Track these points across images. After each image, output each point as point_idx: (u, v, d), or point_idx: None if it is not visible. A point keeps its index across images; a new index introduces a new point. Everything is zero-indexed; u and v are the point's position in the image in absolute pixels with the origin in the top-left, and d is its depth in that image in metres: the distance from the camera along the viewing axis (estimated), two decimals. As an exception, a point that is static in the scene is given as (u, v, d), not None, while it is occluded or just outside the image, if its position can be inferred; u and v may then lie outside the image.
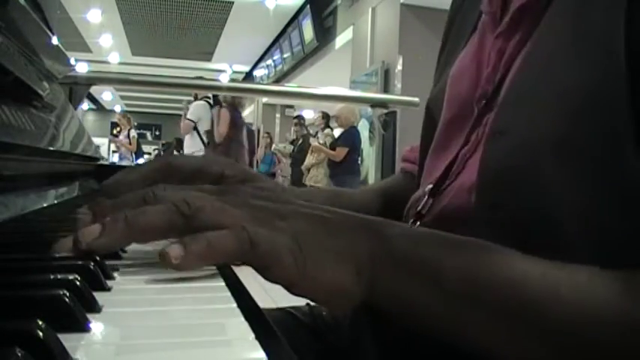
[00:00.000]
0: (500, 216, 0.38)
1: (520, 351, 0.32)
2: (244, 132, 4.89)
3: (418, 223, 0.47)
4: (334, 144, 5.40)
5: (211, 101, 4.96)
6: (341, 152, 5.25)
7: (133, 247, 0.42)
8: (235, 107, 4.74)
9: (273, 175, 8.23)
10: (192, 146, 4.95)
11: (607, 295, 0.31)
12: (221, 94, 4.69)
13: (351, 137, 5.33)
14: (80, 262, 0.31)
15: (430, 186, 0.48)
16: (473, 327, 0.33)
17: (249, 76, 12.05)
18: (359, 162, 5.46)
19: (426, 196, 0.48)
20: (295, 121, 7.46)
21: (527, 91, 0.39)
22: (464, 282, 0.32)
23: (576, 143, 0.34)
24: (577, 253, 0.33)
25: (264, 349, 0.22)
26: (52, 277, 0.28)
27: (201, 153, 4.93)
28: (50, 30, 0.84)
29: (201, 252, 0.30)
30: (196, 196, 0.34)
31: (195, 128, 4.94)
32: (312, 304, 0.63)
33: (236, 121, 4.69)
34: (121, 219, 0.32)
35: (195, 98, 5.14)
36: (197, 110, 4.95)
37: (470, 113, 0.47)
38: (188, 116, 4.97)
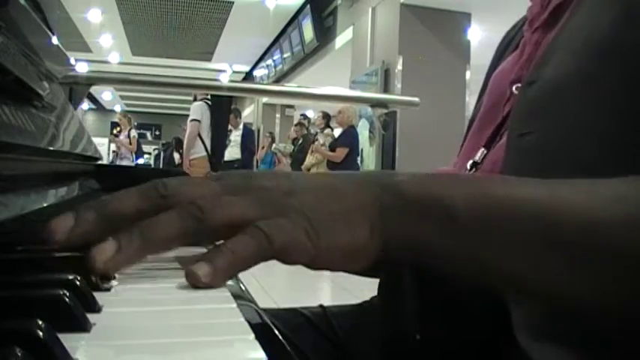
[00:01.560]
0: (528, 141, 0.42)
1: (542, 273, 0.30)
2: None
3: (474, 169, 0.51)
4: (333, 144, 5.40)
5: (210, 102, 4.94)
6: (341, 153, 5.25)
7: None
8: None
9: (273, 175, 8.21)
10: (193, 147, 4.92)
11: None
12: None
13: (350, 137, 5.33)
14: (80, 264, 0.31)
15: (475, 160, 0.52)
16: (493, 261, 0.31)
17: (249, 76, 12.05)
18: (358, 162, 5.47)
19: (482, 148, 0.52)
20: (300, 119, 7.46)
21: (557, 49, 0.43)
22: (476, 213, 0.31)
23: (600, 76, 0.38)
24: (598, 174, 0.34)
25: (264, 349, 0.22)
26: (52, 277, 0.28)
27: (202, 155, 4.91)
28: (50, 30, 0.84)
29: (227, 265, 0.30)
30: (201, 194, 0.33)
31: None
32: (325, 305, 0.64)
33: None
34: (136, 234, 0.31)
35: (195, 99, 5.12)
36: (198, 110, 4.93)
37: (505, 98, 0.52)
38: (192, 117, 4.92)
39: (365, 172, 0.36)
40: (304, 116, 7.58)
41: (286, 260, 0.32)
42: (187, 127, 5.03)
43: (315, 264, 0.32)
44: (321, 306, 0.63)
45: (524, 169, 0.41)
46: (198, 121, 4.87)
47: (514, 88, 0.50)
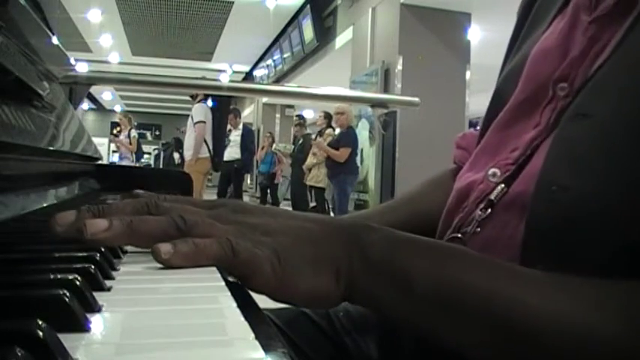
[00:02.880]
0: (565, 199, 0.36)
1: (487, 355, 0.34)
2: None
3: (489, 210, 0.45)
4: (335, 145, 5.37)
5: (210, 103, 4.93)
6: (345, 152, 5.23)
7: (131, 248, 0.42)
8: None
9: (274, 175, 8.23)
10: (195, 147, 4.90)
11: (585, 309, 0.32)
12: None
13: (351, 137, 5.32)
14: (80, 264, 0.31)
15: (496, 170, 0.47)
16: (442, 329, 0.35)
17: (249, 76, 12.05)
18: (358, 162, 5.46)
19: (501, 184, 0.45)
20: (296, 121, 7.46)
21: (618, 74, 0.38)
22: (433, 289, 0.35)
23: None
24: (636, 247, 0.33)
25: (264, 349, 0.22)
26: (52, 277, 0.28)
27: (205, 155, 4.89)
28: (50, 30, 0.84)
29: (187, 252, 0.34)
30: (191, 211, 0.38)
31: None
32: None
33: None
34: (125, 221, 0.36)
35: (193, 98, 5.09)
36: (202, 112, 4.90)
37: (545, 95, 0.45)
38: (197, 119, 4.87)
39: (344, 223, 0.38)
40: (299, 117, 7.58)
41: (248, 283, 0.34)
42: (187, 129, 5.02)
43: (276, 296, 0.35)
44: None
45: (552, 226, 0.37)
46: (204, 122, 4.85)
47: (558, 88, 0.43)
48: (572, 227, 0.36)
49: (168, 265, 0.34)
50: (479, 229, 0.45)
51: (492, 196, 0.45)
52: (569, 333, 0.31)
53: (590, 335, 0.31)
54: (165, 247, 0.34)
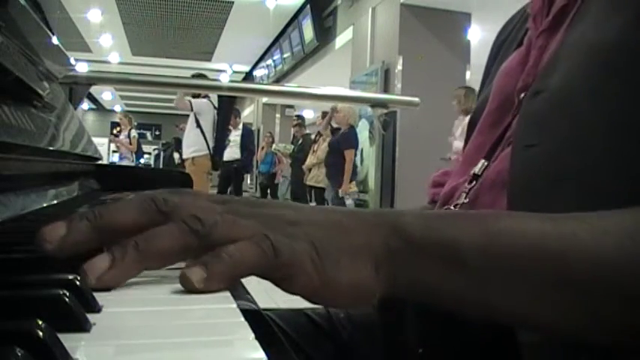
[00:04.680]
0: (534, 153, 0.40)
1: (551, 311, 0.31)
2: None
3: (474, 183, 0.50)
4: (336, 146, 5.35)
5: (213, 100, 4.92)
6: (350, 155, 5.20)
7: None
8: None
9: (274, 175, 8.23)
10: (195, 144, 4.88)
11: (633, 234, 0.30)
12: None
13: (352, 138, 5.31)
14: (80, 263, 0.31)
15: (475, 172, 0.51)
16: (506, 302, 0.31)
17: (249, 76, 12.05)
18: (358, 161, 5.45)
19: (482, 160, 0.50)
20: (294, 121, 7.46)
21: (562, 57, 0.43)
22: (484, 255, 0.31)
23: (608, 89, 0.37)
24: (608, 192, 0.35)
25: (264, 349, 0.22)
26: (52, 277, 0.28)
27: (205, 153, 4.88)
28: (50, 30, 0.84)
29: (224, 271, 0.29)
30: (204, 208, 0.32)
31: (199, 125, 4.88)
32: None
33: None
34: (130, 247, 0.30)
35: (194, 96, 5.08)
36: (200, 105, 4.89)
37: (512, 104, 0.50)
38: (190, 102, 4.84)
39: (372, 210, 0.35)
40: (298, 117, 7.59)
41: (287, 285, 0.31)
42: (187, 126, 5.01)
43: (317, 297, 0.31)
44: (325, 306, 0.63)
45: (530, 181, 0.41)
46: (192, 106, 4.82)
47: (522, 96, 0.48)
48: (544, 178, 0.39)
49: (205, 292, 0.29)
50: (467, 200, 0.49)
51: (476, 170, 0.50)
52: (632, 261, 0.29)
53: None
54: (196, 274, 0.29)
